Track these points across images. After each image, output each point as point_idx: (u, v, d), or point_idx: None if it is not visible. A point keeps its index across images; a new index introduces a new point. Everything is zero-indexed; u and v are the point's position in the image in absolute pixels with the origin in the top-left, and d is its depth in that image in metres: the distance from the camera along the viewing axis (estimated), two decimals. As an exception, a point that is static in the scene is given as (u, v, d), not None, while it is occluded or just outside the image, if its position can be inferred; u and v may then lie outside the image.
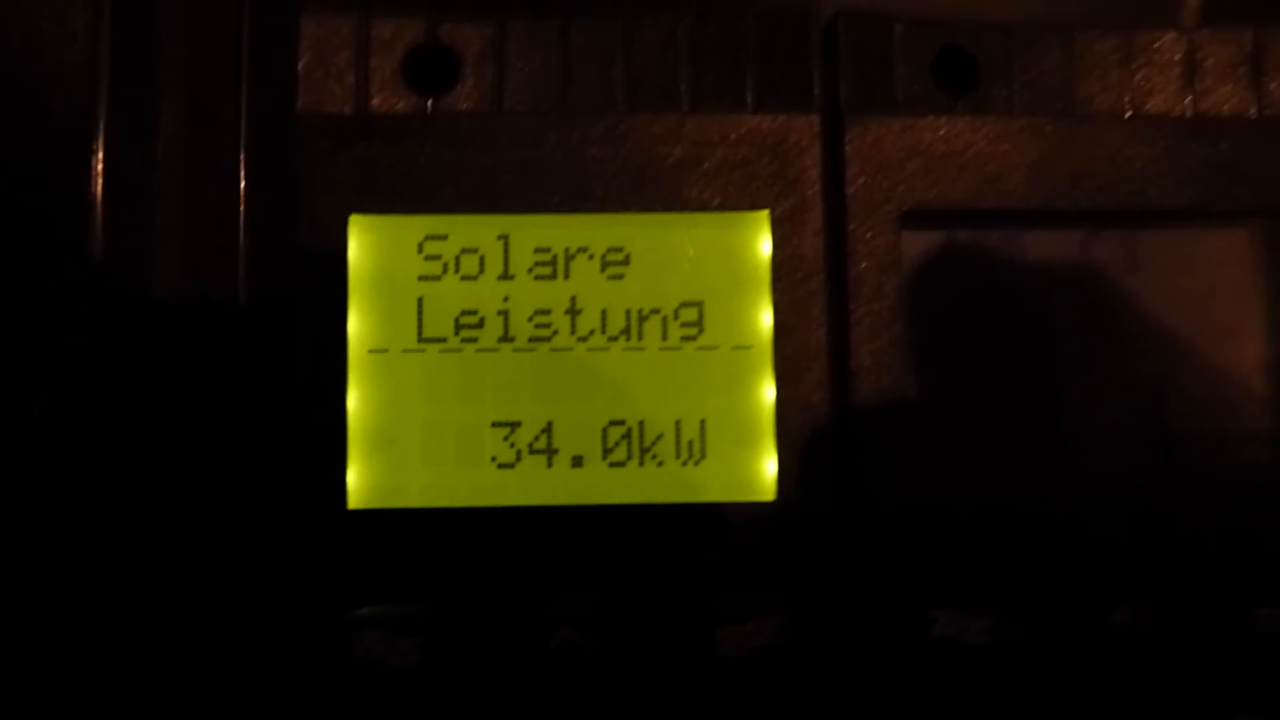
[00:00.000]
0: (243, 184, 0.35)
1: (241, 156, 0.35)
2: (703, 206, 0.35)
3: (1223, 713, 0.33)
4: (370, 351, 0.34)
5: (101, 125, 0.34)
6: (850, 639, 0.33)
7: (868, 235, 0.34)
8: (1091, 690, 0.33)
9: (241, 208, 0.35)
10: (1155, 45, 0.36)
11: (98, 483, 0.33)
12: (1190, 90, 0.36)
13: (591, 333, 0.35)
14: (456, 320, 0.34)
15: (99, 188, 0.34)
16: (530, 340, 0.34)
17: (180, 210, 0.35)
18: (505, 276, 0.35)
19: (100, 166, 0.34)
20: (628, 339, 0.35)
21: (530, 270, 0.35)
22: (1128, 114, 0.36)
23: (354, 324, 0.34)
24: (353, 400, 0.34)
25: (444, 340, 0.34)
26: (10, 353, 0.35)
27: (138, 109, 0.35)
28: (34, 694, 0.32)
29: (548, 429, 0.34)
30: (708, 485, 0.34)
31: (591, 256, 0.35)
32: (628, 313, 0.35)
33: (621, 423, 0.34)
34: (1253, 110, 0.36)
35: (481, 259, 0.35)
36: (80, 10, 0.38)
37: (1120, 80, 0.36)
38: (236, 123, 0.35)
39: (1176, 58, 0.36)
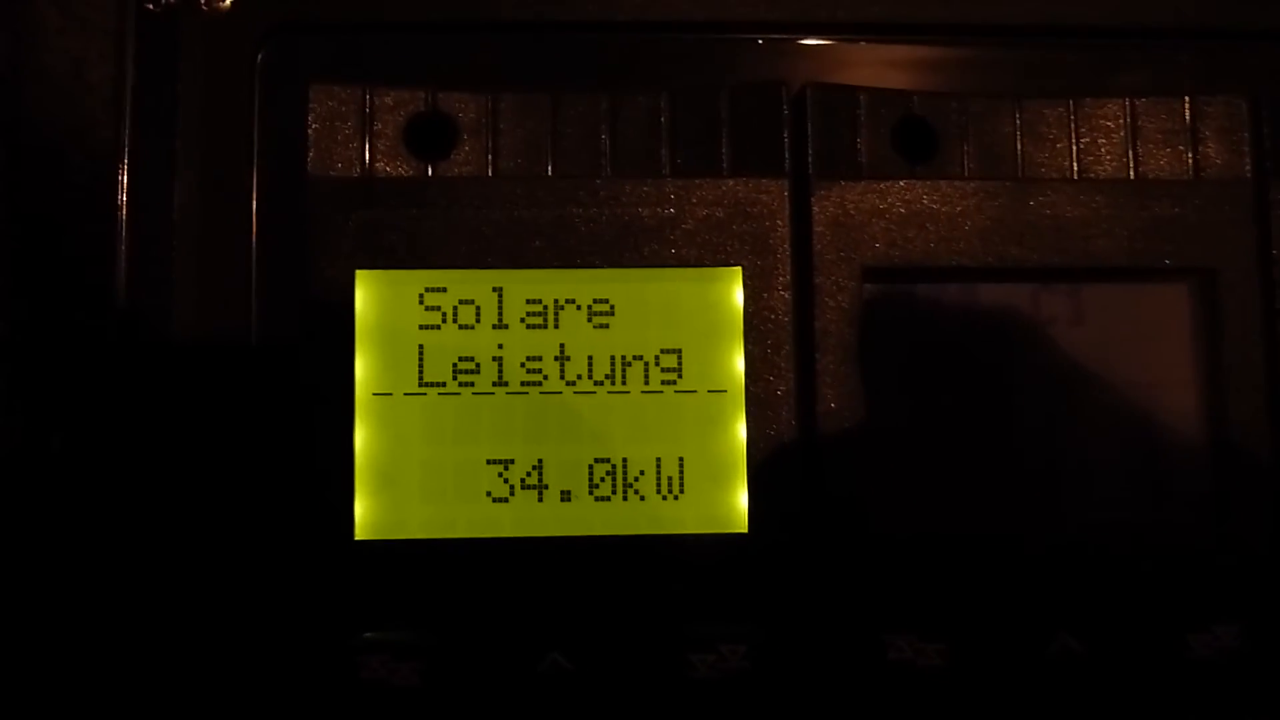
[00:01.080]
0: (254, 240, 0.37)
1: (254, 215, 0.37)
2: (681, 263, 0.37)
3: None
4: (375, 395, 0.36)
5: (124, 180, 0.37)
6: (814, 662, 0.36)
7: (833, 289, 0.37)
8: (1035, 712, 0.36)
9: (253, 262, 0.37)
10: (1099, 112, 0.39)
11: (117, 514, 0.36)
12: (1132, 155, 0.39)
13: (579, 377, 0.37)
14: (454, 366, 0.37)
15: (122, 238, 0.37)
16: (522, 384, 0.37)
17: (195, 263, 0.37)
18: (499, 326, 0.37)
19: (124, 217, 0.37)
20: (612, 383, 0.37)
21: (522, 320, 0.37)
22: (1074, 176, 0.38)
23: (360, 369, 0.36)
24: (359, 439, 0.36)
25: (443, 384, 0.37)
26: (33, 391, 0.38)
27: (156, 166, 0.38)
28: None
29: (538, 466, 0.37)
30: (685, 518, 0.37)
31: (579, 307, 0.37)
32: (612, 359, 0.37)
33: (606, 460, 0.37)
34: (1189, 174, 0.39)
35: (477, 310, 0.37)
36: (96, 62, 0.41)
37: (1066, 145, 0.39)
38: (249, 183, 0.38)
39: (1119, 124, 0.39)
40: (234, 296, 0.37)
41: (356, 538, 0.36)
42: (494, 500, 0.37)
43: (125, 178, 0.37)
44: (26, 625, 0.36)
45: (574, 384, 0.37)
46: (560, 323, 0.37)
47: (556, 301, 0.37)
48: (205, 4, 0.39)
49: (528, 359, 0.37)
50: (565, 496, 0.37)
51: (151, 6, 0.38)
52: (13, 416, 0.39)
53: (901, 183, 0.38)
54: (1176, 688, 0.36)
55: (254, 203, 0.38)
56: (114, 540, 0.35)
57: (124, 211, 0.37)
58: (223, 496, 0.36)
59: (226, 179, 0.38)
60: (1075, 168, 0.39)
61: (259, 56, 0.38)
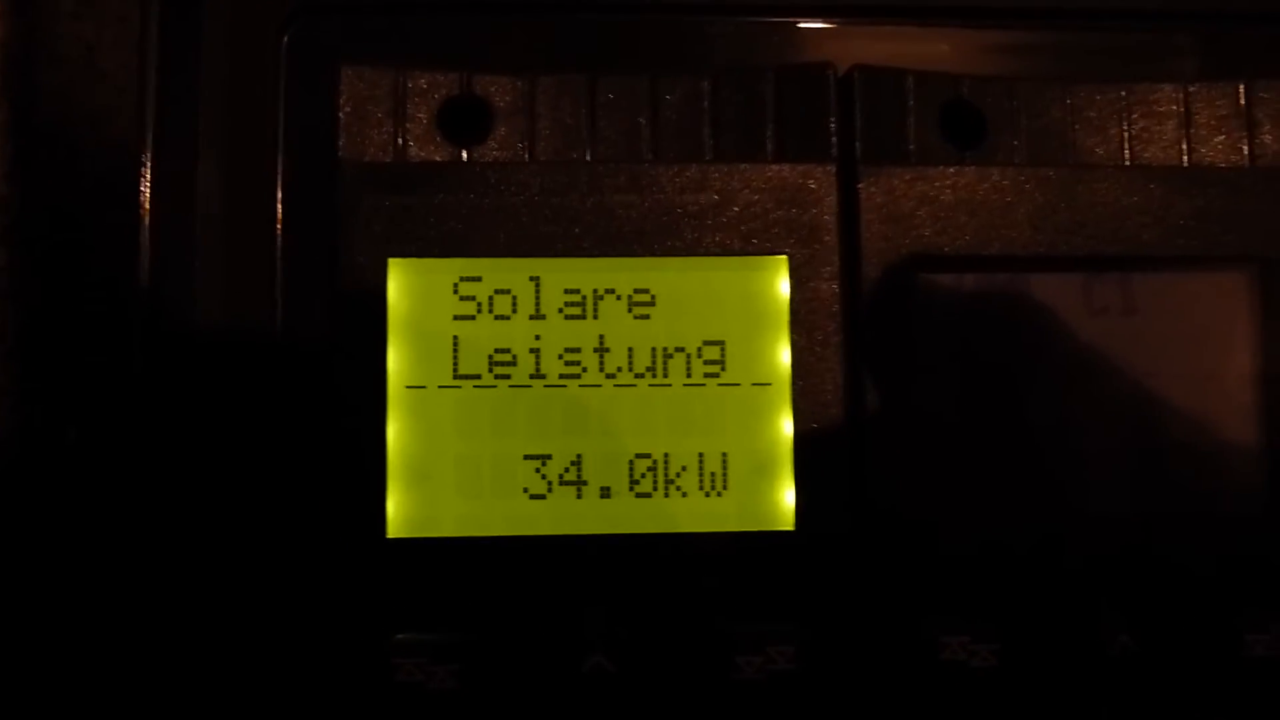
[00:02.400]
0: (280, 227, 0.37)
1: (279, 201, 0.37)
2: (725, 251, 0.37)
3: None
4: (408, 387, 0.36)
5: (146, 165, 0.37)
6: (864, 663, 0.36)
7: (881, 279, 0.37)
8: (1090, 713, 0.36)
9: (279, 250, 0.37)
10: (1152, 98, 0.39)
11: (141, 510, 0.36)
12: (1185, 141, 0.39)
13: (619, 370, 0.37)
14: (490, 358, 0.37)
15: (144, 227, 0.37)
16: (560, 377, 0.37)
17: (220, 253, 0.37)
18: (536, 316, 0.37)
19: (146, 205, 0.37)
20: (653, 376, 0.37)
21: (560, 310, 0.37)
22: (1126, 163, 0.38)
23: (393, 361, 0.36)
24: (392, 434, 0.36)
25: (478, 377, 0.37)
26: (49, 382, 0.37)
27: (178, 150, 0.37)
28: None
29: (577, 461, 0.37)
30: (729, 515, 0.37)
31: (619, 298, 0.37)
32: (653, 351, 0.37)
33: (647, 455, 0.37)
34: (1245, 160, 0.39)
35: (514, 300, 0.37)
36: (110, 48, 0.41)
37: (1118, 131, 0.39)
38: (274, 168, 0.37)
39: (1173, 110, 0.39)
40: (260, 286, 0.37)
41: (389, 536, 0.36)
42: (531, 497, 0.36)
43: (148, 163, 0.37)
44: (48, 622, 0.36)
45: (614, 376, 0.37)
46: (600, 313, 0.37)
47: (595, 291, 0.37)
48: None
49: (566, 351, 0.37)
50: (605, 493, 0.37)
51: None
52: (29, 406, 0.38)
53: (950, 169, 0.38)
54: (1234, 687, 0.36)
55: (279, 189, 0.37)
56: (138, 537, 0.35)
57: (146, 198, 0.37)
58: (251, 493, 0.36)
59: (251, 164, 0.38)
60: (1128, 154, 0.39)
61: (285, 37, 0.38)
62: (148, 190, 0.37)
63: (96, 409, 0.38)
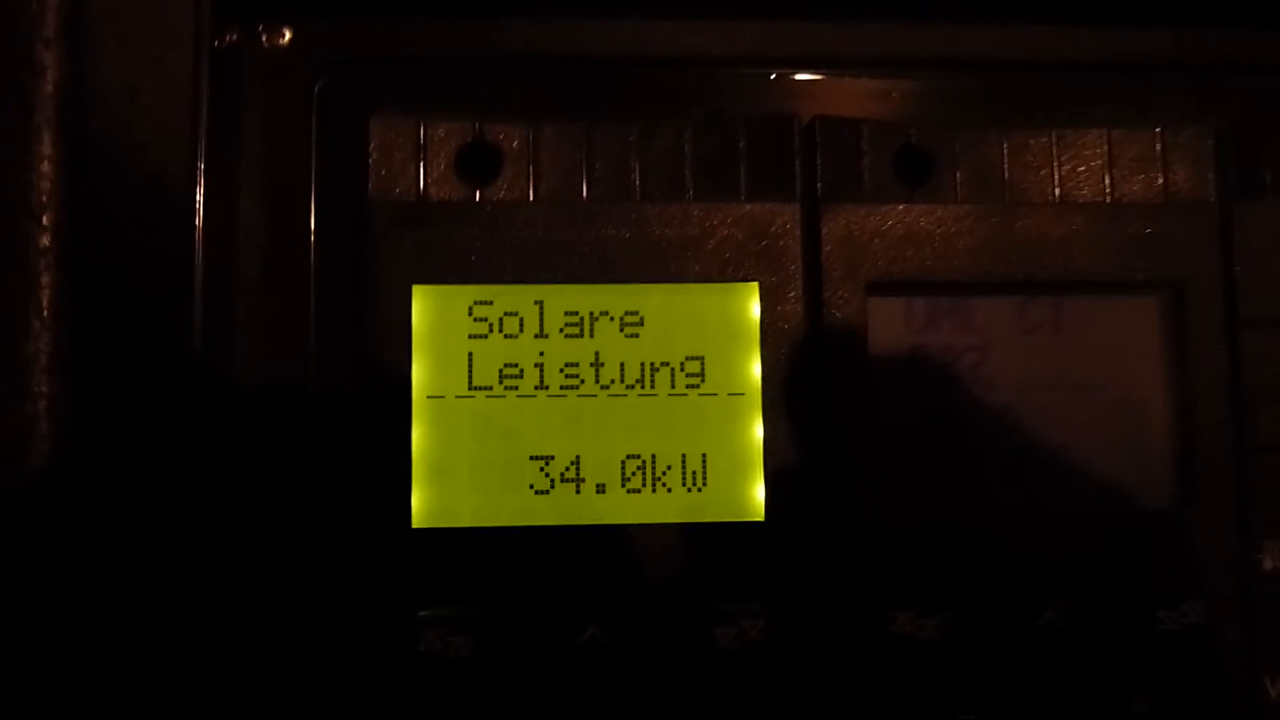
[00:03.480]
0: (313, 258, 0.41)
1: (312, 234, 0.42)
2: (704, 278, 0.41)
3: (1125, 697, 0.41)
4: (429, 397, 0.41)
5: (199, 205, 0.41)
6: (825, 635, 0.40)
7: (840, 302, 0.41)
8: (1022, 678, 0.41)
9: (314, 279, 0.41)
10: (1079, 141, 0.43)
11: (189, 506, 0.39)
12: (1109, 179, 0.43)
13: (612, 382, 0.41)
14: (500, 371, 0.41)
15: (197, 260, 0.40)
16: (561, 388, 0.41)
17: (261, 282, 0.41)
18: (540, 335, 0.41)
19: (198, 239, 0.41)
20: (642, 387, 0.41)
21: (561, 330, 0.41)
22: (1056, 199, 0.43)
23: (416, 375, 0.40)
24: (415, 438, 0.40)
25: (490, 388, 0.41)
26: (102, 391, 0.41)
27: (221, 189, 0.41)
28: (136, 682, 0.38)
29: (576, 462, 0.41)
30: (709, 508, 0.41)
31: (612, 319, 0.41)
32: (642, 365, 0.41)
33: (637, 456, 0.41)
34: (1160, 197, 0.43)
35: (521, 321, 0.41)
36: (147, 87, 0.44)
37: (1049, 171, 0.43)
38: (308, 206, 0.42)
39: (1098, 152, 0.43)
40: (298, 312, 0.41)
41: (414, 526, 0.40)
42: (536, 492, 0.41)
43: (200, 202, 0.40)
44: (96, 599, 0.39)
45: (608, 388, 0.41)
46: (595, 332, 0.41)
47: (592, 313, 0.41)
48: (266, 40, 0.43)
49: (566, 365, 0.41)
50: (600, 489, 0.41)
51: (217, 44, 0.42)
52: (75, 417, 0.41)
53: (901, 206, 0.42)
54: (1148, 656, 0.41)
55: (313, 224, 0.42)
56: (188, 530, 0.38)
57: (198, 234, 0.40)
58: (294, 490, 0.40)
59: (287, 202, 0.42)
60: (1058, 191, 0.43)
61: (316, 89, 0.42)
62: (199, 225, 0.40)
63: (144, 411, 0.42)
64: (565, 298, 0.42)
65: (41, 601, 0.37)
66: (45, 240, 0.38)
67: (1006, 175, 0.43)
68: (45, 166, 0.39)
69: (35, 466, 0.37)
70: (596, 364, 0.41)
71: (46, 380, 0.38)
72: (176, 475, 0.39)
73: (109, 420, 0.39)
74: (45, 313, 0.38)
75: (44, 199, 0.39)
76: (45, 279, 0.38)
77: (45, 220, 0.38)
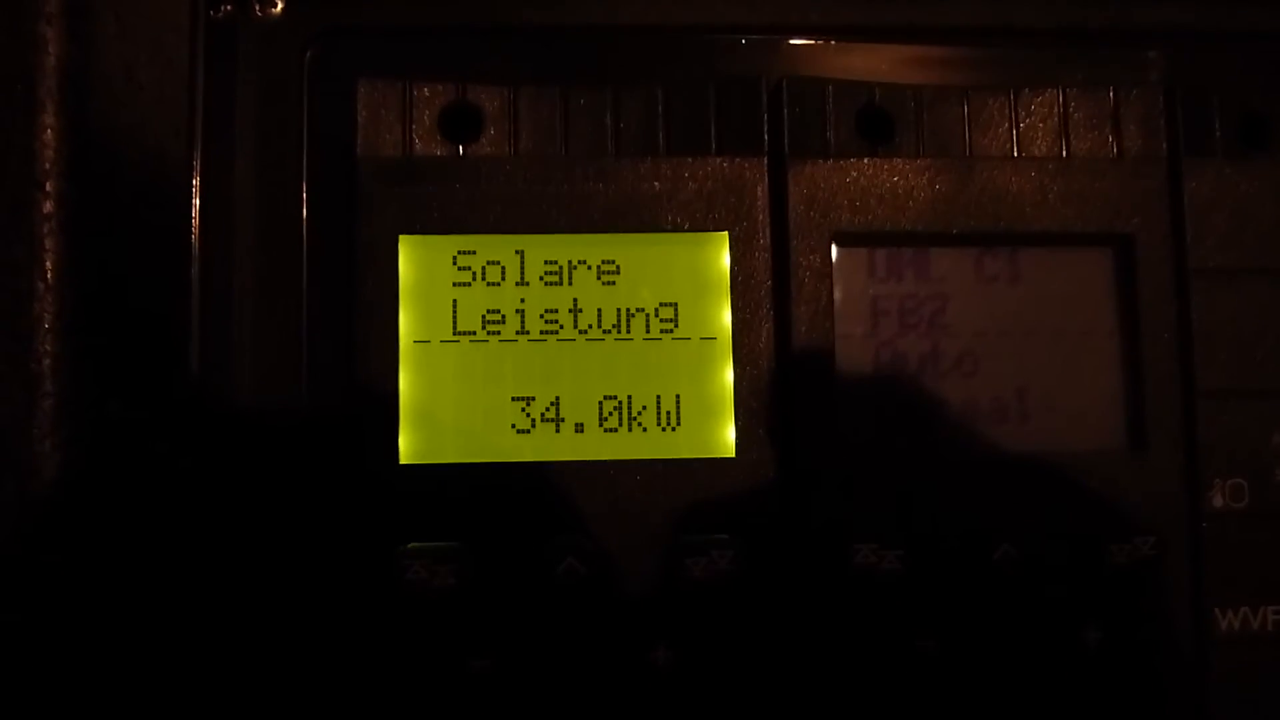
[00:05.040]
0: (305, 213, 0.44)
1: (304, 191, 0.44)
2: (676, 229, 0.44)
3: (1077, 627, 0.43)
4: (416, 342, 0.43)
5: (196, 166, 0.43)
6: (791, 565, 0.43)
7: (806, 252, 0.44)
8: (978, 608, 0.43)
9: (305, 232, 0.44)
10: (1036, 101, 0.46)
11: (189, 445, 0.42)
12: (1063, 137, 0.46)
13: (590, 327, 0.44)
14: (483, 317, 0.43)
15: (193, 216, 0.43)
16: (541, 333, 0.44)
17: (254, 236, 0.44)
18: (521, 283, 0.44)
19: (196, 199, 0.43)
20: (618, 332, 0.44)
21: (541, 278, 0.44)
22: (1013, 155, 0.45)
23: (404, 321, 0.43)
24: (403, 380, 0.43)
25: (473, 333, 0.43)
26: (103, 355, 0.43)
27: (218, 152, 0.44)
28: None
29: (556, 402, 0.43)
30: (681, 446, 0.43)
31: (590, 267, 0.44)
32: (618, 311, 0.44)
33: (614, 398, 0.44)
34: (1112, 153, 0.46)
35: (502, 269, 0.44)
36: (146, 64, 0.46)
37: (1007, 129, 0.46)
38: (300, 164, 0.44)
39: (1052, 111, 0.46)
40: (290, 263, 0.44)
41: (401, 462, 0.43)
42: (518, 431, 0.43)
43: (197, 165, 0.43)
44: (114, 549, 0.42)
45: (585, 332, 0.44)
46: (573, 280, 0.44)
47: (570, 262, 0.44)
48: (259, 10, 0.45)
49: (546, 311, 0.44)
50: (579, 428, 0.43)
51: (212, 14, 0.45)
52: (78, 375, 0.44)
53: (864, 161, 0.45)
54: (1098, 588, 0.44)
55: (305, 181, 0.44)
56: (193, 470, 0.42)
57: (196, 193, 0.43)
58: (286, 429, 0.43)
59: (280, 161, 0.45)
60: (1015, 148, 0.46)
61: (307, 56, 0.45)
62: (196, 189, 0.43)
63: (144, 371, 0.44)
64: (545, 248, 0.44)
65: (41, 556, 0.39)
66: (49, 206, 0.40)
67: (965, 133, 0.46)
68: (48, 136, 0.41)
69: (40, 423, 0.39)
70: (575, 310, 0.44)
71: (51, 340, 0.40)
72: (176, 418, 0.42)
73: (114, 380, 0.41)
74: (50, 275, 0.40)
75: (47, 168, 0.41)
76: (49, 244, 0.40)
77: (49, 187, 0.41)
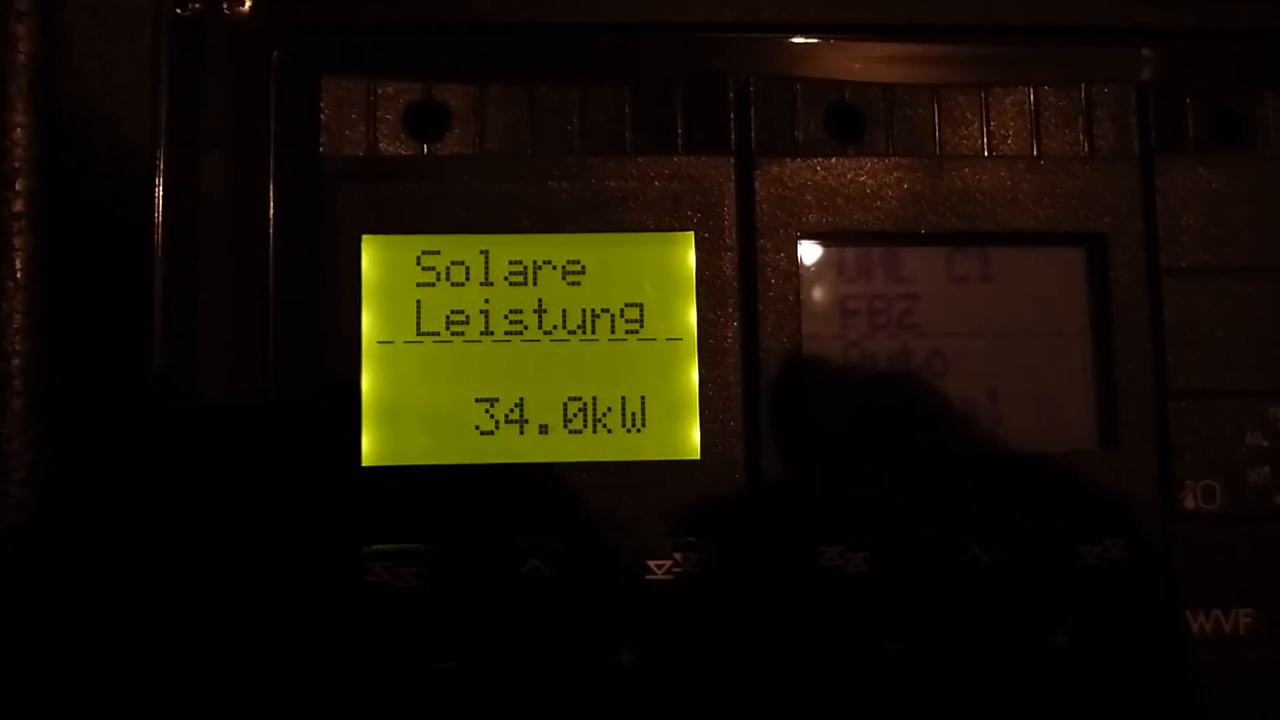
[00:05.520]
0: (271, 210, 0.44)
1: (271, 189, 0.44)
2: (642, 228, 0.44)
3: (1048, 629, 0.43)
4: (379, 343, 0.43)
5: (160, 164, 0.43)
6: (756, 567, 0.43)
7: (772, 251, 0.44)
8: (947, 610, 0.43)
9: (271, 229, 0.44)
10: (1006, 99, 0.46)
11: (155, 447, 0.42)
12: (1035, 135, 0.46)
13: (555, 328, 0.44)
14: (447, 318, 0.43)
15: (157, 213, 0.43)
16: (506, 333, 0.43)
17: (220, 233, 0.44)
18: (486, 283, 0.44)
19: (160, 196, 0.43)
20: (583, 332, 0.44)
21: (506, 278, 0.44)
22: (984, 154, 0.45)
23: (366, 321, 0.43)
24: (366, 381, 0.43)
25: (437, 334, 0.43)
26: (70, 349, 0.43)
27: (185, 149, 0.44)
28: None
29: (520, 404, 0.43)
30: (646, 447, 0.43)
31: (555, 267, 0.44)
32: (583, 311, 0.44)
33: (579, 399, 0.43)
34: (1084, 151, 0.46)
35: (467, 269, 0.44)
36: (121, 62, 0.46)
37: (978, 127, 0.46)
38: (267, 162, 0.44)
39: (1024, 109, 0.46)
40: (256, 262, 0.44)
41: (364, 464, 0.43)
42: (482, 433, 0.43)
43: (162, 162, 0.44)
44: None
45: (550, 333, 0.44)
46: (538, 280, 0.44)
47: (535, 262, 0.44)
48: (227, 8, 0.45)
49: (510, 311, 0.44)
50: (543, 429, 0.43)
51: (180, 11, 0.45)
52: (49, 374, 0.44)
53: (833, 160, 0.45)
54: (1069, 590, 0.44)
55: (272, 178, 0.44)
56: (157, 468, 0.42)
57: (160, 190, 0.43)
58: (248, 430, 0.43)
59: (247, 159, 0.45)
60: (986, 146, 0.46)
61: (274, 54, 0.45)
62: (161, 186, 0.43)
63: (113, 369, 0.44)
64: (509, 247, 0.44)
65: (11, 554, 0.39)
66: (18, 205, 0.41)
67: (935, 131, 0.46)
68: (18, 134, 0.41)
69: (9, 423, 0.40)
70: (540, 310, 0.44)
71: (20, 339, 0.40)
72: (143, 416, 0.42)
73: (83, 377, 0.41)
74: (19, 274, 0.41)
75: (17, 166, 0.41)
76: (19, 242, 0.41)
77: (18, 186, 0.41)
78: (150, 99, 0.44)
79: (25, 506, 0.40)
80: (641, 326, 0.44)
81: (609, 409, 0.44)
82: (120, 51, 0.45)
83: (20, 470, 0.40)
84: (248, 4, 0.46)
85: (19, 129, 0.42)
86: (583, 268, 0.44)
